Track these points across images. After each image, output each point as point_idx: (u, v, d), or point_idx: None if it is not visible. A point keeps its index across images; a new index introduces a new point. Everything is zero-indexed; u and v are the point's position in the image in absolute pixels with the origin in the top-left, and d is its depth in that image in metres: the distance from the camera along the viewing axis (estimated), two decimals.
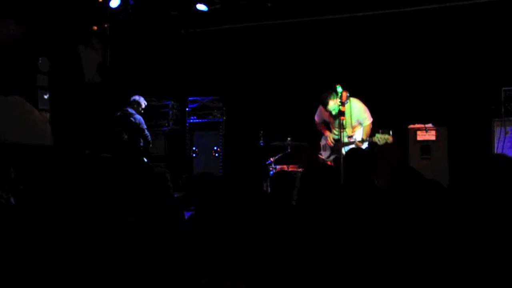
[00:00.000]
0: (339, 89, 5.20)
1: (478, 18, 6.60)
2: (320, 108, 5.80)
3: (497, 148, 5.94)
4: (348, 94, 5.27)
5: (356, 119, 5.57)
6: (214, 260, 2.40)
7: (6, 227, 2.64)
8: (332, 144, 5.69)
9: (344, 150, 5.11)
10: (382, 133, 5.19)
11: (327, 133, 5.80)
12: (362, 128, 5.61)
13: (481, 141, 6.25)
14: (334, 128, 5.71)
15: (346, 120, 5.35)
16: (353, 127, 5.60)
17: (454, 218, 2.32)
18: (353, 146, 5.44)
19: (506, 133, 5.96)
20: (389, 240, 2.34)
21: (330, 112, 5.51)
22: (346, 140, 5.40)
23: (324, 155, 5.92)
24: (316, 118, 5.94)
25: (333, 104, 5.41)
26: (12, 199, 3.56)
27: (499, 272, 2.02)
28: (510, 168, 2.34)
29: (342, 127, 5.07)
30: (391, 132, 5.19)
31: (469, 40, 6.68)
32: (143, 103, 7.00)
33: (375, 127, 5.67)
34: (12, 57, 6.50)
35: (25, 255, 2.43)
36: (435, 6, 6.81)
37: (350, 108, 5.48)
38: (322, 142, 5.96)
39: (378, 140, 5.19)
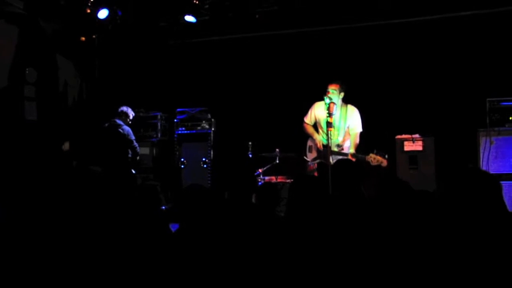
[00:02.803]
0: (327, 100, 5.23)
1: (463, 30, 6.71)
2: (313, 108, 5.76)
3: (483, 158, 6.01)
4: (335, 106, 5.30)
5: (347, 125, 5.58)
6: (200, 271, 2.39)
7: None
8: (321, 148, 5.62)
9: (332, 159, 5.09)
10: (377, 153, 5.15)
11: (315, 135, 5.72)
12: (350, 138, 5.62)
13: (467, 151, 6.32)
14: (323, 132, 5.65)
15: (339, 125, 5.44)
16: (344, 136, 5.61)
17: (442, 227, 2.34)
18: (342, 157, 5.42)
19: (491, 143, 6.04)
20: (378, 250, 2.35)
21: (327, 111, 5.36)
22: (335, 149, 5.40)
23: (309, 156, 5.86)
24: (305, 119, 5.85)
25: (323, 111, 5.41)
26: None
27: (488, 279, 2.04)
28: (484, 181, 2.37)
29: (329, 136, 5.06)
30: (386, 156, 5.15)
31: (454, 51, 6.79)
32: (131, 114, 6.98)
33: (364, 138, 5.70)
34: None
35: (15, 265, 2.41)
36: (421, 19, 6.91)
37: (346, 113, 5.51)
38: (309, 143, 5.88)
39: (371, 160, 5.16)
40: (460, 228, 2.21)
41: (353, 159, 5.37)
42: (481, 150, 6.05)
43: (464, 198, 2.30)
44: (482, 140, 6.08)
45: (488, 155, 5.97)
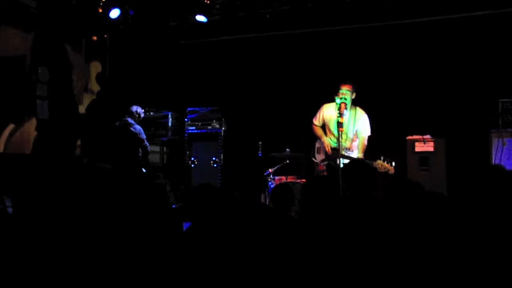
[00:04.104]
0: (338, 100, 5.22)
1: (475, 31, 6.66)
2: (321, 110, 5.74)
3: (495, 159, 5.96)
4: (346, 106, 5.28)
5: (356, 128, 5.56)
6: (211, 271, 2.40)
7: (4, 237, 2.63)
8: (330, 151, 5.60)
9: (340, 161, 5.07)
10: (384, 160, 5.10)
11: (324, 138, 5.69)
12: (358, 141, 5.59)
13: (479, 152, 6.27)
14: (331, 135, 5.65)
15: (348, 127, 5.39)
16: (352, 140, 5.58)
17: (453, 228, 2.33)
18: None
19: (503, 144, 5.99)
20: (388, 250, 2.34)
21: (338, 111, 5.22)
22: (343, 152, 5.36)
23: (318, 158, 5.83)
24: (314, 120, 5.81)
25: (334, 112, 5.38)
26: (10, 209, 3.55)
27: (499, 282, 2.02)
28: (506, 178, 2.35)
29: (340, 136, 5.05)
30: (393, 164, 5.10)
31: (466, 52, 6.73)
32: (142, 113, 7.02)
33: (374, 139, 5.67)
34: (12, 66, 6.54)
35: (23, 264, 2.43)
36: (434, 19, 6.87)
37: (355, 115, 5.49)
38: (317, 145, 5.85)
39: (378, 167, 5.11)
40: (474, 229, 2.19)
41: None
42: (493, 151, 6.01)
43: (480, 198, 2.28)
44: (495, 141, 6.03)
45: (501, 156, 5.92)
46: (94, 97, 7.90)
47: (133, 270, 2.40)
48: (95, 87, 7.96)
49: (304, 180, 6.02)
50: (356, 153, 5.53)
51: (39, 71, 6.82)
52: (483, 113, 6.34)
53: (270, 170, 6.43)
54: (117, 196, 3.15)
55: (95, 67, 7.98)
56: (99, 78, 8.06)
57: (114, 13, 7.23)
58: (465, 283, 2.08)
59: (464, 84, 6.70)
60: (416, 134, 6.52)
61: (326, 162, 5.69)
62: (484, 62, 6.60)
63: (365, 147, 5.52)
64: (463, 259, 2.13)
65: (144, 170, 6.93)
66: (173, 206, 6.92)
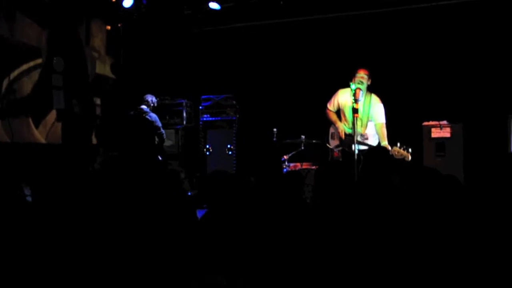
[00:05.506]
0: (353, 86, 5.17)
1: (493, 14, 6.53)
2: (336, 95, 5.67)
3: None
4: (361, 92, 5.22)
5: (370, 114, 5.48)
6: (225, 259, 2.41)
7: (23, 225, 2.67)
8: (344, 137, 5.54)
9: (355, 148, 5.03)
10: (401, 147, 5.03)
11: (338, 123, 5.59)
12: (373, 126, 5.50)
13: (497, 138, 6.18)
14: (346, 121, 5.60)
15: (363, 113, 5.32)
16: (366, 125, 5.52)
17: (470, 214, 2.31)
18: (365, 147, 5.34)
19: None
20: (403, 238, 2.33)
21: (353, 97, 5.15)
22: (359, 138, 5.29)
23: (332, 143, 5.78)
24: (329, 105, 5.71)
25: (349, 98, 5.32)
26: (29, 197, 3.60)
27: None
28: None
29: (355, 122, 5.01)
30: (410, 150, 5.03)
31: (484, 36, 6.61)
32: (155, 101, 7.06)
33: (390, 126, 5.60)
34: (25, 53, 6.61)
35: (43, 253, 2.47)
36: (448, 2, 6.76)
37: (370, 102, 5.43)
38: (331, 130, 5.77)
39: (395, 154, 5.04)
40: (490, 217, 2.17)
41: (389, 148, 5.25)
42: None
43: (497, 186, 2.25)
44: None
45: None
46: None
47: (148, 255, 2.43)
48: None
49: None
50: (372, 137, 5.44)
51: (54, 61, 6.88)
52: (501, 98, 6.24)
53: (285, 156, 6.43)
54: (133, 184, 3.18)
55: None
56: (114, 68, 8.11)
57: (128, 2, 7.25)
58: (478, 271, 2.06)
59: (481, 68, 6.60)
60: (433, 119, 6.44)
61: (340, 148, 5.64)
62: (501, 46, 6.48)
63: (385, 134, 5.40)
64: (479, 245, 2.11)
65: (160, 158, 6.98)
66: (189, 194, 6.96)
